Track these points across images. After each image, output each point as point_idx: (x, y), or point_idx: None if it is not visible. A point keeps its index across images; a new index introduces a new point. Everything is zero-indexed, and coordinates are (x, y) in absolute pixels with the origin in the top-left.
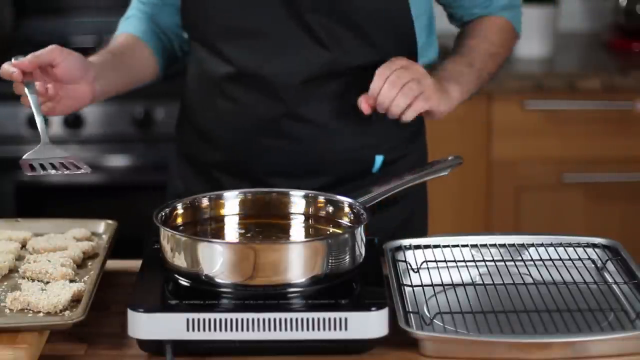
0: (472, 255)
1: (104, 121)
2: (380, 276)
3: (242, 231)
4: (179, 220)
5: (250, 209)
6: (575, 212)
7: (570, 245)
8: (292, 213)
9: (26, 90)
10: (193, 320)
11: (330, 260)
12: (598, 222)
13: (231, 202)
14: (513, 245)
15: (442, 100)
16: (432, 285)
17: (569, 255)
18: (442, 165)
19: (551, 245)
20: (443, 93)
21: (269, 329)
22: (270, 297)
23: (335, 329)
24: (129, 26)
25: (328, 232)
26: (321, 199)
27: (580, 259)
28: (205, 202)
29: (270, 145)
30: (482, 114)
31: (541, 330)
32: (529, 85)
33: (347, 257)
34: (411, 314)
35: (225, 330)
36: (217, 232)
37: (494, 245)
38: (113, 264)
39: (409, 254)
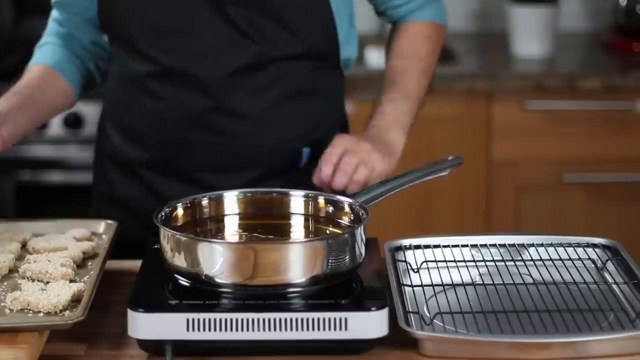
0: (472, 255)
1: None
2: (380, 276)
3: (242, 231)
4: (179, 221)
5: (250, 209)
6: (575, 212)
7: (570, 245)
8: (292, 213)
9: None
10: (193, 320)
11: (330, 260)
12: (598, 222)
13: (231, 202)
14: (513, 245)
15: (389, 164)
16: (432, 285)
17: (569, 255)
18: (442, 165)
19: (551, 245)
20: (386, 157)
21: (269, 329)
22: (270, 297)
23: (335, 329)
24: (43, 56)
25: (328, 232)
26: (321, 199)
27: (580, 259)
28: (205, 202)
29: (198, 140)
30: (482, 114)
31: (541, 330)
32: (529, 85)
33: (347, 257)
34: (411, 314)
35: (225, 330)
36: (217, 232)
37: (494, 245)
38: (113, 264)
39: (409, 254)
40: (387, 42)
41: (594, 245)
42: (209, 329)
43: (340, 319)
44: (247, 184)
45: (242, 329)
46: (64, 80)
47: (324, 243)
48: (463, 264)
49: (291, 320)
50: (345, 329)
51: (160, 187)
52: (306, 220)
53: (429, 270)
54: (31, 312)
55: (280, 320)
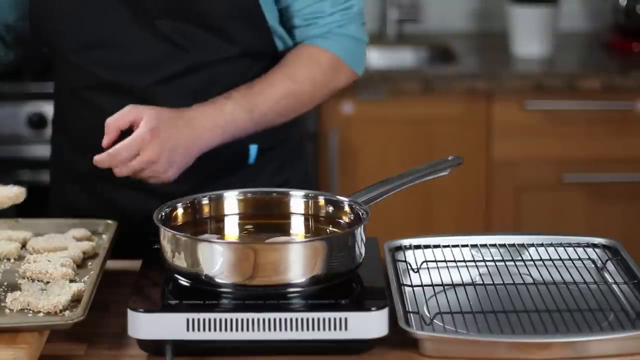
0: (472, 255)
1: None
2: (380, 276)
3: (242, 231)
4: (179, 220)
5: (250, 209)
6: (575, 212)
7: (570, 245)
8: (292, 213)
9: None
10: (193, 320)
11: (330, 260)
12: (598, 222)
13: (231, 202)
14: (513, 245)
15: (185, 167)
16: (432, 285)
17: (569, 255)
18: (442, 165)
19: (551, 245)
20: (187, 164)
21: (269, 329)
22: (270, 297)
23: (335, 329)
24: None
25: (328, 232)
26: (321, 199)
27: (580, 259)
28: (205, 202)
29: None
30: (482, 114)
31: (541, 330)
32: (529, 85)
33: (347, 257)
34: (411, 314)
35: (225, 330)
36: (217, 232)
37: (494, 245)
38: (113, 264)
39: (409, 254)
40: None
41: (594, 245)
42: (209, 329)
43: (340, 319)
44: (197, 186)
45: (242, 329)
46: None
47: (324, 243)
48: (463, 264)
49: (291, 320)
50: (345, 329)
51: (113, 196)
52: (306, 220)
53: (429, 270)
54: (31, 312)
55: (280, 320)
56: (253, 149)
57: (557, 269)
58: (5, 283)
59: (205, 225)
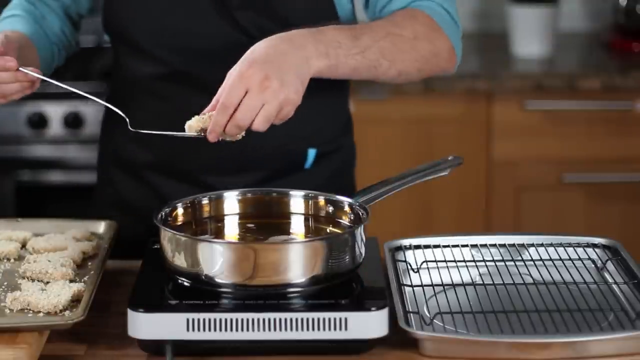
0: (472, 255)
1: None
2: (380, 276)
3: (242, 231)
4: (179, 220)
5: (250, 209)
6: (575, 212)
7: (570, 245)
8: (292, 213)
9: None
10: (193, 320)
11: (330, 260)
12: (598, 222)
13: (231, 202)
14: (513, 245)
15: (301, 89)
16: (432, 285)
17: (569, 255)
18: (442, 165)
19: (551, 245)
20: (302, 84)
21: (269, 329)
22: (270, 297)
23: (335, 329)
24: (15, 24)
25: (328, 232)
26: (321, 199)
27: (580, 259)
28: (205, 202)
29: (201, 142)
30: (482, 114)
31: (541, 330)
32: (529, 85)
33: (347, 257)
34: (411, 314)
35: (225, 330)
36: (217, 232)
37: (494, 245)
38: (113, 264)
39: (409, 254)
40: None
41: (594, 245)
42: (209, 329)
43: (340, 319)
44: (252, 185)
45: (242, 329)
46: (36, 52)
47: (324, 243)
48: (463, 264)
49: (291, 320)
50: (345, 329)
51: (164, 188)
52: (306, 220)
53: (429, 270)
54: (31, 312)
55: (280, 320)
56: (311, 153)
57: (557, 269)
58: (5, 283)
59: (205, 225)
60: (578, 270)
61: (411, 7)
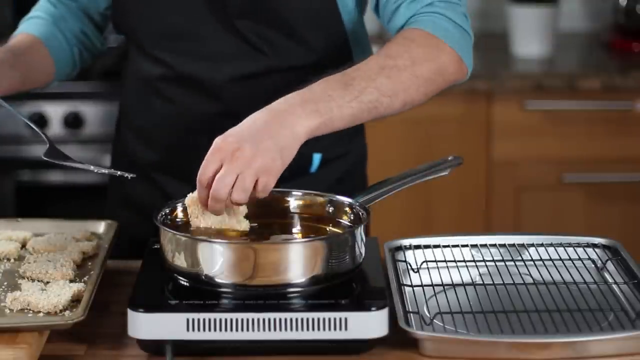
0: (472, 255)
1: (104, 121)
2: (380, 276)
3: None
4: (179, 220)
5: (250, 209)
6: (575, 212)
7: (570, 245)
8: (292, 213)
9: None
10: (193, 320)
11: (330, 260)
12: (598, 222)
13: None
14: (513, 245)
15: (285, 157)
16: (432, 285)
17: (569, 255)
18: (442, 165)
19: (551, 245)
20: (282, 150)
21: (269, 329)
22: (270, 297)
23: (335, 329)
24: (31, 27)
25: (328, 232)
26: (321, 199)
27: (580, 259)
28: None
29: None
30: (482, 114)
31: (541, 330)
32: (529, 85)
33: (347, 257)
34: (411, 314)
35: (225, 330)
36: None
37: (494, 245)
38: (113, 264)
39: (409, 254)
40: None
41: (594, 245)
42: (209, 329)
43: (340, 319)
44: None
45: (242, 329)
46: (48, 55)
47: (324, 243)
48: (463, 264)
49: (291, 320)
50: (345, 329)
51: (172, 190)
52: (306, 220)
53: (429, 270)
54: (31, 312)
55: (280, 320)
56: (316, 157)
57: (557, 269)
58: (5, 283)
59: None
60: (578, 270)
61: (410, 28)
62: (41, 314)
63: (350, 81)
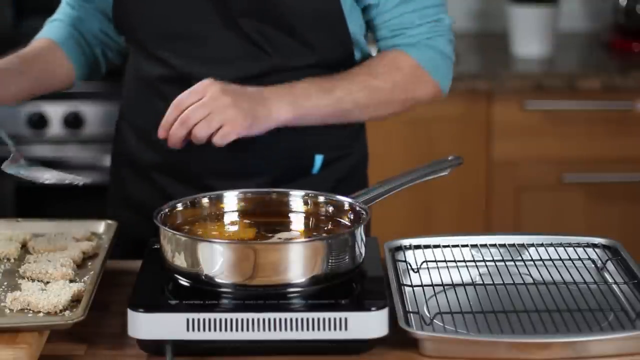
0: (472, 255)
1: (104, 121)
2: (380, 276)
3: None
4: (179, 220)
5: (250, 209)
6: (575, 212)
7: (570, 245)
8: (292, 213)
9: None
10: (193, 320)
11: (330, 260)
12: (598, 222)
13: (231, 202)
14: (513, 245)
15: (254, 125)
16: (432, 285)
17: (569, 255)
18: (442, 165)
19: (551, 245)
20: (248, 119)
21: (269, 329)
22: (270, 297)
23: (335, 329)
24: (50, 31)
25: (328, 232)
26: (321, 199)
27: (580, 259)
28: (205, 201)
29: (208, 146)
30: (482, 114)
31: (541, 330)
32: (529, 85)
33: (347, 257)
34: (411, 314)
35: (225, 330)
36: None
37: (494, 245)
38: (113, 264)
39: (409, 254)
40: None
41: (594, 245)
42: (209, 329)
43: (340, 319)
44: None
45: (242, 329)
46: (65, 57)
47: (324, 243)
48: (463, 264)
49: (291, 320)
50: (345, 329)
51: (172, 190)
52: (306, 219)
53: (429, 270)
54: (31, 312)
55: (280, 320)
56: (318, 159)
57: (557, 269)
58: (5, 283)
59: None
60: (578, 270)
61: (398, 51)
62: (41, 314)
63: (332, 88)
